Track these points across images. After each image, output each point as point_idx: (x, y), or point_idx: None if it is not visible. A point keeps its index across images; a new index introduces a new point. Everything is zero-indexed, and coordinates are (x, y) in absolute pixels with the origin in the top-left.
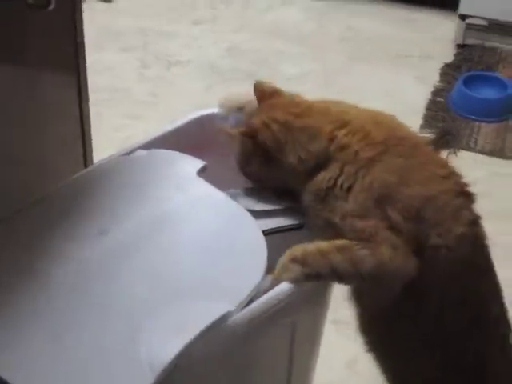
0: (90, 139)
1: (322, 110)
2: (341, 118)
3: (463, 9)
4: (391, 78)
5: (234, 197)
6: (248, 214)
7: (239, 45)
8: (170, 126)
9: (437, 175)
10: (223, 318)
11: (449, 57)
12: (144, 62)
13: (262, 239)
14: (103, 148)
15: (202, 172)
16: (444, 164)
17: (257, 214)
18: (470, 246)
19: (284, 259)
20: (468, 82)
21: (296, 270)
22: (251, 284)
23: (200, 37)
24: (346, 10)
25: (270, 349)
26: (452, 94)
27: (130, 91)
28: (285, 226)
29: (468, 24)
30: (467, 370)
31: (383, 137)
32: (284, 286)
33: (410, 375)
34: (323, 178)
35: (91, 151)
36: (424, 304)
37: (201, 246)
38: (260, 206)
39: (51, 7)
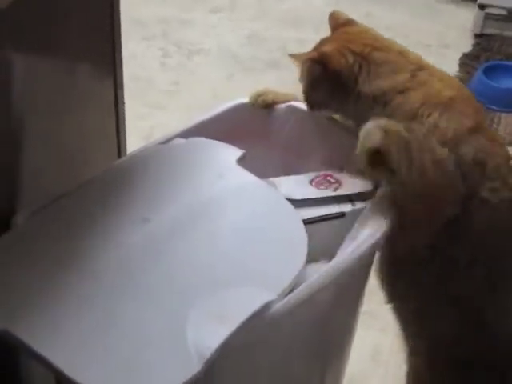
0: (124, 127)
1: (400, 49)
2: (420, 63)
3: None
4: None
5: (274, 185)
6: (288, 202)
7: (258, 33)
8: (206, 115)
9: (497, 138)
10: (266, 307)
11: (467, 46)
12: (165, 50)
13: (302, 228)
14: (129, 136)
15: (241, 160)
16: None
17: (297, 203)
18: (510, 210)
19: (369, 125)
20: (488, 71)
21: (379, 135)
22: (292, 273)
23: (218, 25)
24: None
25: (307, 335)
26: (471, 84)
27: (153, 80)
28: (326, 215)
29: (487, 13)
30: (486, 328)
31: (456, 88)
32: (325, 275)
33: (428, 329)
34: (402, 104)
35: (125, 139)
36: (456, 252)
37: (242, 235)
38: (300, 195)
39: None
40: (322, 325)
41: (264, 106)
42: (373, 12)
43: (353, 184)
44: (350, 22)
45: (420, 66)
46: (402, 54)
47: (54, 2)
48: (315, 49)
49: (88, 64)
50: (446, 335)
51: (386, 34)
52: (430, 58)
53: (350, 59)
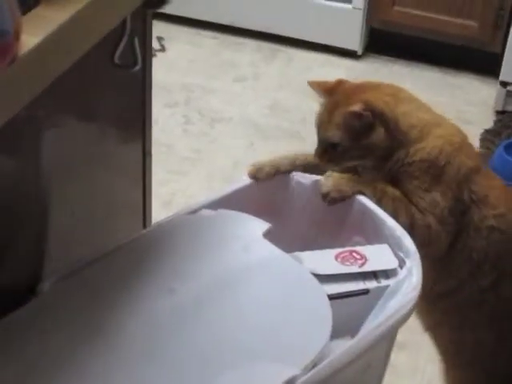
0: (151, 195)
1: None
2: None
3: (505, 76)
4: None
5: (299, 260)
6: (313, 277)
7: (280, 103)
8: (232, 186)
9: (491, 175)
10: (289, 382)
11: (488, 123)
12: (188, 117)
13: (327, 303)
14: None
15: (267, 234)
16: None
17: (322, 278)
18: None
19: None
20: (509, 148)
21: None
22: (316, 348)
23: (242, 94)
24: (386, 72)
25: None
26: (492, 161)
27: (174, 147)
28: (350, 292)
29: (509, 91)
30: None
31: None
32: (349, 351)
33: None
34: (422, 150)
35: (151, 207)
36: (481, 275)
37: (266, 308)
38: (325, 270)
39: (137, 68)
40: None
41: (267, 178)
42: None
43: (378, 261)
44: (342, 81)
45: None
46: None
47: (91, 76)
48: (340, 105)
49: (118, 132)
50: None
51: None
52: None
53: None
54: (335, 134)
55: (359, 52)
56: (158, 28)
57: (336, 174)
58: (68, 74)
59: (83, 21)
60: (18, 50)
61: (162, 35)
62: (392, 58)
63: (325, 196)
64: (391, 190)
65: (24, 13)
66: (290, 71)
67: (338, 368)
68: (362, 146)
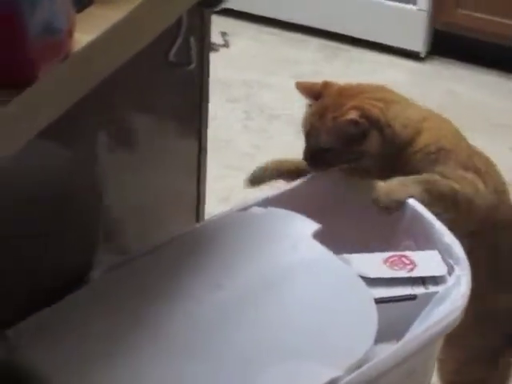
0: (204, 190)
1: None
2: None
3: None
4: (487, 147)
5: (347, 262)
6: (360, 280)
7: None
8: (284, 186)
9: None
10: (331, 383)
11: None
12: (248, 113)
13: (373, 307)
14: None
15: (317, 234)
16: None
17: (370, 281)
18: None
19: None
20: None
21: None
22: (361, 351)
23: None
24: (448, 74)
25: None
26: None
27: (233, 142)
28: (398, 297)
29: None
30: None
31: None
32: (391, 356)
33: None
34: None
35: (204, 202)
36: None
37: (311, 308)
38: (373, 274)
39: (193, 66)
40: None
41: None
42: (454, 90)
43: (427, 267)
44: (329, 84)
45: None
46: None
47: (146, 73)
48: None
49: (174, 128)
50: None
51: (465, 112)
52: (509, 140)
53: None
54: (327, 140)
55: (422, 54)
56: (223, 23)
57: (388, 182)
58: (124, 69)
59: (137, 20)
60: (70, 47)
61: (226, 31)
62: (455, 61)
63: (378, 204)
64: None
65: (78, 11)
66: (351, 71)
67: (381, 371)
68: (355, 150)
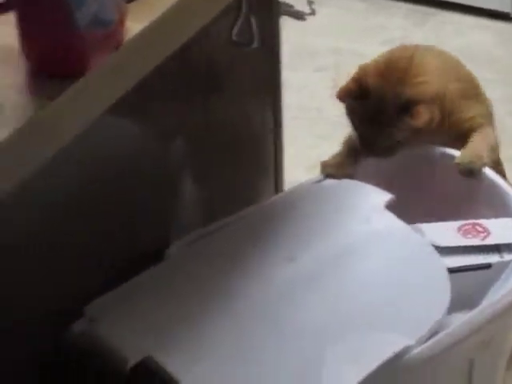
0: (282, 163)
1: None
2: None
3: None
4: None
5: (420, 231)
6: (433, 249)
7: None
8: None
9: None
10: (402, 352)
11: None
12: (336, 82)
13: (445, 276)
14: (295, 166)
15: (390, 205)
16: None
17: (443, 250)
18: None
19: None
20: None
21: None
22: (432, 320)
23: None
24: None
25: None
26: None
27: (323, 111)
28: (471, 265)
29: None
30: None
31: None
32: (466, 325)
33: None
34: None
35: (282, 174)
36: None
37: (384, 279)
38: (446, 243)
39: (254, 45)
40: (463, 375)
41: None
42: None
43: (502, 234)
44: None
45: None
46: None
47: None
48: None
49: (246, 105)
50: None
51: None
52: None
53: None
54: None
55: None
56: None
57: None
58: (187, 49)
59: (189, 5)
60: (122, 36)
61: None
62: None
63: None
64: None
65: (131, 0)
66: (441, 35)
67: (455, 340)
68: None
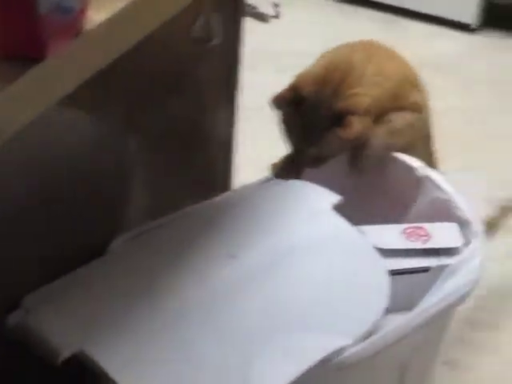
0: (233, 162)
1: None
2: None
3: None
4: None
5: (364, 233)
6: (375, 251)
7: None
8: None
9: None
10: (338, 352)
11: None
12: None
13: (386, 278)
14: (248, 167)
15: (337, 206)
16: None
17: (385, 252)
18: None
19: None
20: None
21: None
22: (370, 321)
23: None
24: (501, 46)
25: None
26: None
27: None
28: (411, 268)
29: None
30: None
31: None
32: (401, 327)
33: None
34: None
35: (233, 173)
36: None
37: (324, 279)
38: (389, 245)
39: (214, 42)
40: (395, 377)
41: None
42: (505, 62)
43: (442, 238)
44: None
45: None
46: None
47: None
48: None
49: (203, 103)
50: None
51: None
52: None
53: None
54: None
55: (474, 25)
56: None
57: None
58: (145, 46)
59: (152, 0)
60: (83, 25)
61: (278, 2)
62: (507, 33)
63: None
64: None
65: None
66: (403, 43)
67: (390, 342)
68: None
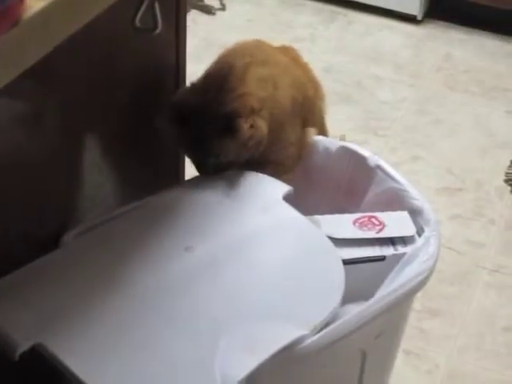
0: (184, 157)
1: None
2: None
3: None
4: (484, 111)
5: (317, 223)
6: (329, 241)
7: (336, 66)
8: None
9: None
10: (297, 341)
11: None
12: None
13: (340, 267)
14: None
15: (287, 196)
16: None
17: (339, 242)
18: None
19: None
20: None
21: None
22: (327, 310)
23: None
24: (446, 38)
25: (338, 377)
26: None
27: None
28: (366, 257)
29: None
30: None
31: None
32: (357, 316)
33: None
34: None
35: (184, 165)
36: None
37: (280, 270)
38: (342, 234)
39: (158, 31)
40: (356, 365)
41: None
42: (451, 54)
43: (396, 227)
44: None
45: None
46: None
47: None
48: None
49: (147, 91)
50: None
51: (463, 77)
52: (506, 104)
53: None
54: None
55: (419, 17)
56: None
57: None
58: (88, 34)
59: None
60: (21, 13)
61: None
62: (452, 24)
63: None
64: None
65: None
66: (348, 35)
67: (347, 331)
68: None
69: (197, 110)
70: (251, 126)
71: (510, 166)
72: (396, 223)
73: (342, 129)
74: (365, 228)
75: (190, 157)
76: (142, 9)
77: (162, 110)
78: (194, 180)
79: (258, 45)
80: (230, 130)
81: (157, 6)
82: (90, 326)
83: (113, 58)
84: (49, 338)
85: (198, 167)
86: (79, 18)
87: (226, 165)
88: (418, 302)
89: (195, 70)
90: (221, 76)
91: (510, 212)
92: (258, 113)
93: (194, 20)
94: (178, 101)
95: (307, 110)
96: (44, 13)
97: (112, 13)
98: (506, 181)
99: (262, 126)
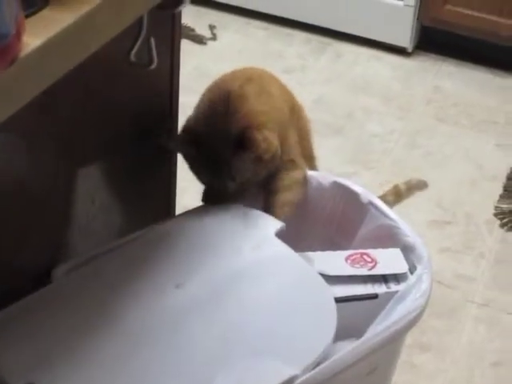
0: (175, 187)
1: None
2: None
3: None
4: (473, 144)
5: (309, 260)
6: (321, 278)
7: (326, 97)
8: None
9: None
10: (288, 382)
11: None
12: None
13: (333, 305)
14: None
15: (280, 232)
16: None
17: (331, 279)
18: None
19: None
20: None
21: None
22: (319, 349)
23: (288, 86)
24: (435, 71)
25: None
26: None
27: None
28: (358, 295)
29: None
30: None
31: None
32: (349, 355)
33: None
34: None
35: (175, 199)
36: None
37: (271, 307)
38: (334, 272)
39: (153, 66)
40: None
41: None
42: (440, 86)
43: (388, 265)
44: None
45: None
46: None
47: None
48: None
49: (142, 127)
50: None
51: (452, 110)
52: (495, 137)
53: None
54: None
55: (409, 49)
56: (212, 16)
57: None
58: (84, 69)
59: (90, 22)
60: (18, 51)
61: (215, 24)
62: (442, 57)
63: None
64: None
65: (32, 14)
66: (338, 66)
67: (339, 369)
68: None
69: (209, 130)
70: (262, 137)
71: (499, 200)
72: (388, 260)
73: (331, 161)
74: (357, 265)
75: (202, 179)
76: (138, 44)
77: (171, 135)
78: (186, 214)
79: (237, 69)
80: (243, 146)
81: (152, 41)
82: (83, 365)
83: (108, 91)
84: (42, 377)
85: (218, 195)
86: (76, 55)
87: (243, 186)
88: (408, 337)
89: (185, 100)
90: (222, 101)
91: (499, 246)
92: (266, 126)
93: (185, 50)
94: (190, 123)
95: (296, 118)
96: (41, 50)
97: (108, 48)
98: (496, 214)
99: (273, 138)
